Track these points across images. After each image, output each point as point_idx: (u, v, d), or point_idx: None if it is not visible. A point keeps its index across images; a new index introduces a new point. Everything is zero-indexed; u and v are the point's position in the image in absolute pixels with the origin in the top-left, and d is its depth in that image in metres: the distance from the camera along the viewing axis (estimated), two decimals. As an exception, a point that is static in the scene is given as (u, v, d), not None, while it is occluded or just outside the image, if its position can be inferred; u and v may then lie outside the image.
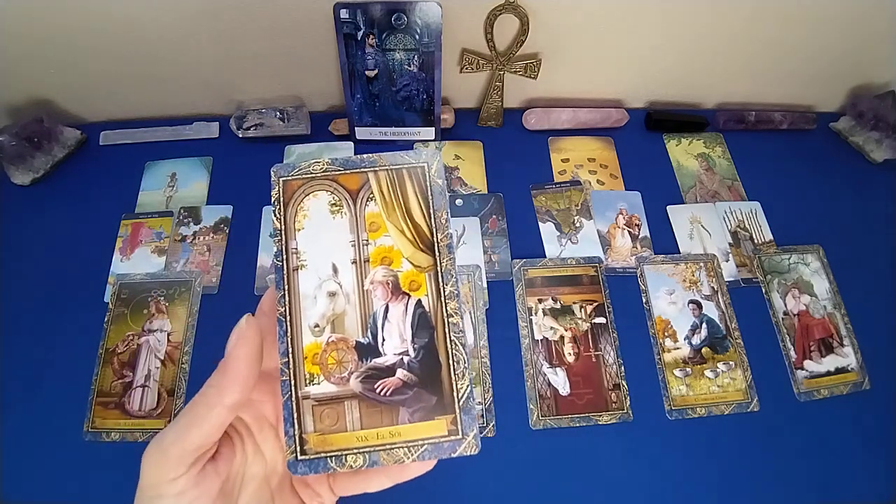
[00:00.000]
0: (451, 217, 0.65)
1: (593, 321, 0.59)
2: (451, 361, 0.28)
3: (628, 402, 0.55)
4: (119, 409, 0.54)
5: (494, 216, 0.66)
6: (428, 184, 0.30)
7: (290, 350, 0.28)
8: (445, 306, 0.29)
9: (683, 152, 0.73)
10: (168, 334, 0.57)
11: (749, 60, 0.71)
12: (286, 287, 0.29)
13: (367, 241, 0.30)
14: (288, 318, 0.28)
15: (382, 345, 0.28)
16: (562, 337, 0.58)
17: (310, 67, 0.69)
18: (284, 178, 0.30)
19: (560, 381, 0.56)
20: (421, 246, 0.30)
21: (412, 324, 0.29)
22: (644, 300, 0.61)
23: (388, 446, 0.27)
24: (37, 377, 0.55)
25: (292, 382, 0.28)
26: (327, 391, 0.28)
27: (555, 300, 0.60)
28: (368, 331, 0.29)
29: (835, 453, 0.54)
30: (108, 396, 0.54)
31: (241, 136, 0.70)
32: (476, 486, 0.51)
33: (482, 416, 0.54)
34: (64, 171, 0.69)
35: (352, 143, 0.71)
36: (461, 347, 0.28)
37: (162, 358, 0.56)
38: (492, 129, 0.74)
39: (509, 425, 0.54)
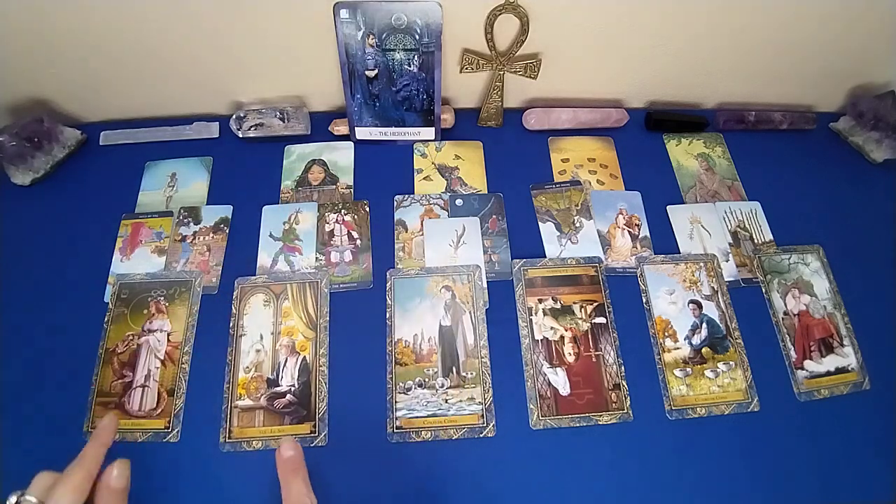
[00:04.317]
0: (452, 217, 0.65)
1: (593, 321, 0.59)
2: (317, 392, 0.54)
3: (628, 402, 0.55)
4: (119, 409, 0.54)
5: (494, 216, 0.66)
6: (319, 292, 0.58)
7: (231, 380, 0.54)
8: (318, 360, 0.55)
9: (683, 152, 0.73)
10: (168, 334, 0.57)
11: (749, 60, 0.71)
12: (234, 346, 0.56)
13: (281, 322, 0.57)
14: (232, 363, 0.55)
15: (281, 380, 0.54)
16: (562, 337, 0.58)
17: (310, 67, 0.69)
18: (242, 286, 0.59)
19: (560, 381, 0.56)
20: (310, 326, 0.57)
21: (299, 370, 0.55)
22: (644, 300, 0.61)
23: (276, 437, 0.52)
24: (37, 377, 0.55)
25: (229, 398, 0.53)
26: (247, 404, 0.53)
27: (555, 300, 0.60)
28: (274, 371, 0.55)
29: (835, 453, 0.54)
30: (108, 396, 0.54)
31: (241, 136, 0.70)
32: (476, 486, 0.51)
33: (482, 415, 0.54)
34: (64, 171, 0.69)
35: (352, 143, 0.71)
36: (324, 385, 0.54)
37: (162, 358, 0.56)
38: (492, 129, 0.74)
39: (509, 425, 0.54)
